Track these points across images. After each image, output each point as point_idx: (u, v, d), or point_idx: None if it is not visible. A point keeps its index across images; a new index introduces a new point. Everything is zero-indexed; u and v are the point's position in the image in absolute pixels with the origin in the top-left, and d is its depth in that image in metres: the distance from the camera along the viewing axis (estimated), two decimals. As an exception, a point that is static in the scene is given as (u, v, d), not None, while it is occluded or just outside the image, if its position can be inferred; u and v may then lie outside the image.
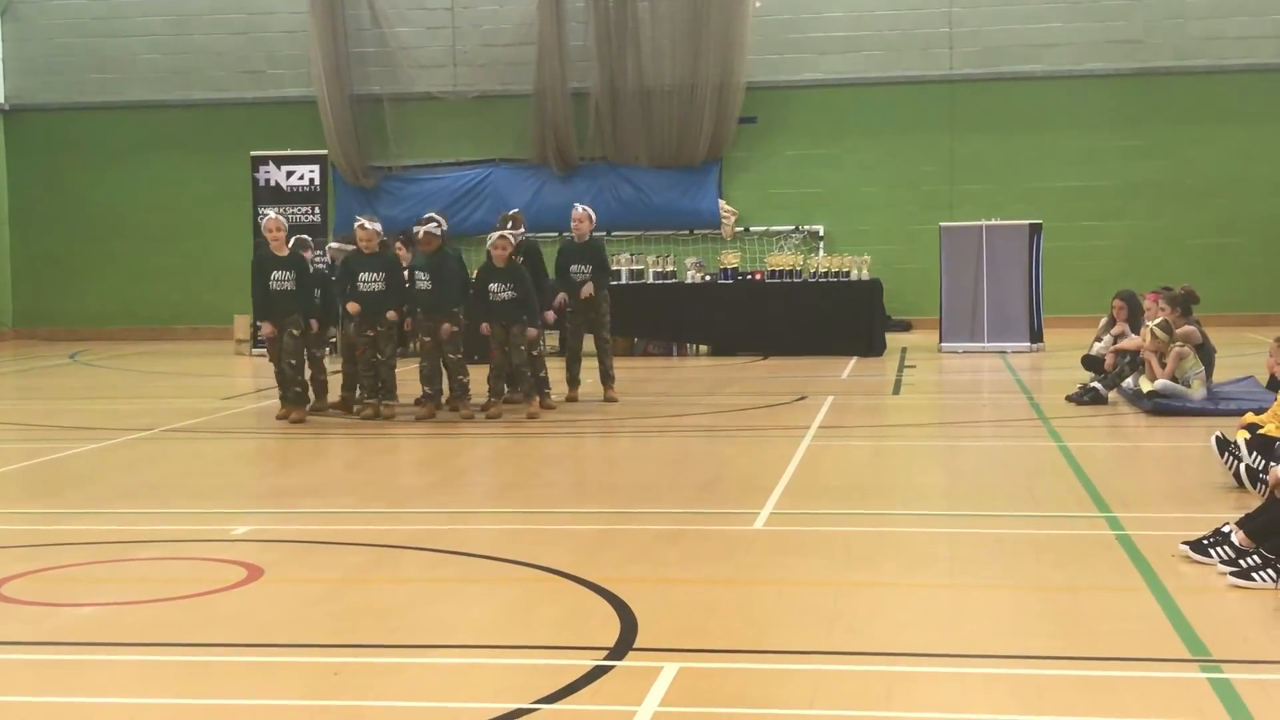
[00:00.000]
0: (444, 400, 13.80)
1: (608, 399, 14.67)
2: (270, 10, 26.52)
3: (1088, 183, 24.71)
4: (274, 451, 11.86)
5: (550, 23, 25.28)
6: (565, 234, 15.85)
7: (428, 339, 13.45)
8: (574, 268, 14.72)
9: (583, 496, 9.79)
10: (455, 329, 13.42)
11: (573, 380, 14.87)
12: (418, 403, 13.91)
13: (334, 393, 14.17)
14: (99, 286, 26.19)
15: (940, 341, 20.70)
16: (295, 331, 13.43)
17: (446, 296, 13.41)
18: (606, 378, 14.84)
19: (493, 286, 13.45)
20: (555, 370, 14.59)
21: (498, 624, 6.48)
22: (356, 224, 14.54)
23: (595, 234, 15.01)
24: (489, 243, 13.63)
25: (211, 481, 10.84)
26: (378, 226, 13.84)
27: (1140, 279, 19.39)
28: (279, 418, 13.56)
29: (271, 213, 13.59)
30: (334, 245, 15.59)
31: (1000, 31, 24.86)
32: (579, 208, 15.08)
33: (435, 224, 13.43)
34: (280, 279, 13.38)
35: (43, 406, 15.41)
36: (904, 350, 20.64)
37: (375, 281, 13.55)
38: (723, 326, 19.91)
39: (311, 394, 13.95)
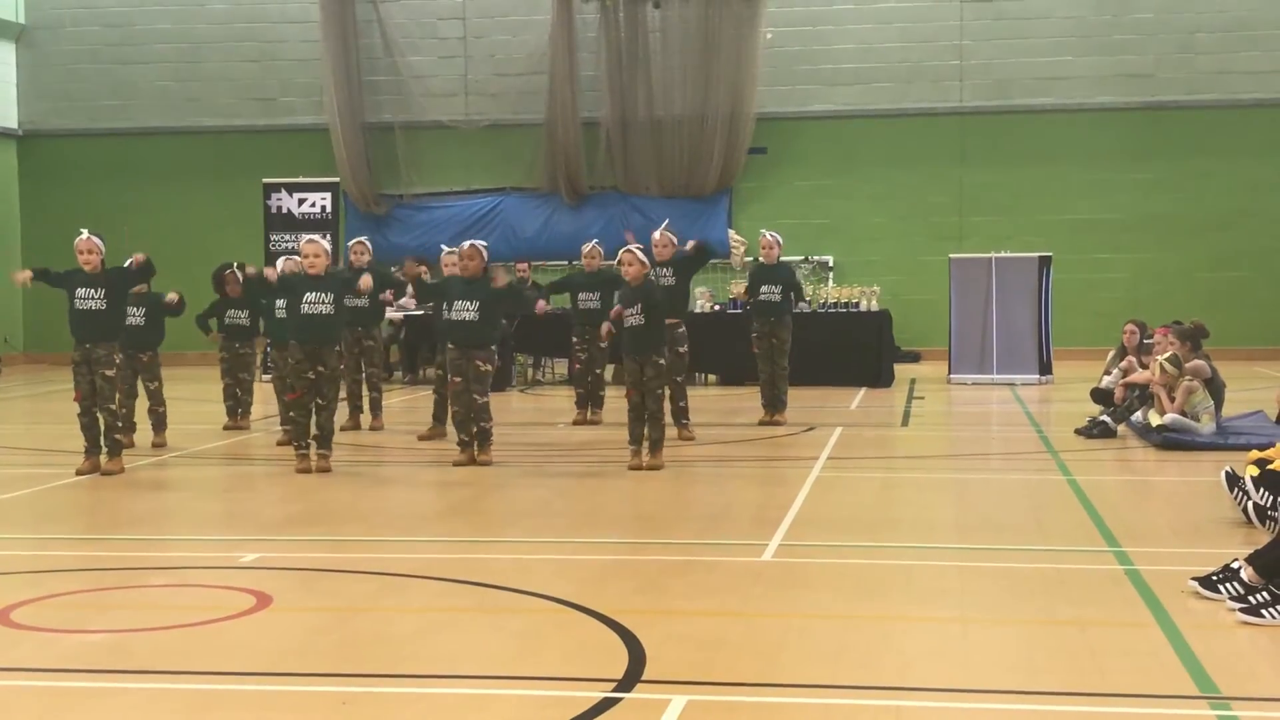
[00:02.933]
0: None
1: (774, 422, 15.09)
2: (283, 39, 26.66)
3: (1097, 215, 24.74)
4: (283, 478, 11.85)
5: (562, 53, 25.39)
6: (575, 263, 16.19)
7: (459, 379, 12.32)
8: (764, 289, 15.22)
9: (591, 527, 9.78)
10: (489, 368, 12.43)
11: (774, 402, 15.31)
12: (427, 435, 13.95)
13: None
14: (110, 312, 26.26)
15: (949, 373, 20.71)
16: (109, 372, 11.93)
17: (490, 331, 12.42)
18: (778, 403, 15.26)
19: (628, 311, 12.35)
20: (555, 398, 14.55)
21: (506, 654, 6.47)
22: (353, 244, 14.69)
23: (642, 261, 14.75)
24: (619, 259, 12.67)
25: (220, 508, 10.86)
26: (326, 244, 12.42)
27: (1150, 312, 19.41)
28: (82, 473, 11.94)
29: (84, 233, 12.07)
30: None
31: (1010, 64, 24.94)
32: (767, 234, 15.63)
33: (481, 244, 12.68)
34: (84, 296, 11.91)
35: (51, 430, 15.42)
36: (913, 381, 20.64)
37: (322, 303, 12.05)
38: (731, 356, 19.89)
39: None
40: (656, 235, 14.44)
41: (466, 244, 12.55)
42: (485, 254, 12.57)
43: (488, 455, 12.33)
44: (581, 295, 15.66)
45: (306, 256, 12.22)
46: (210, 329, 15.19)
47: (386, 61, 26.28)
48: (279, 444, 13.79)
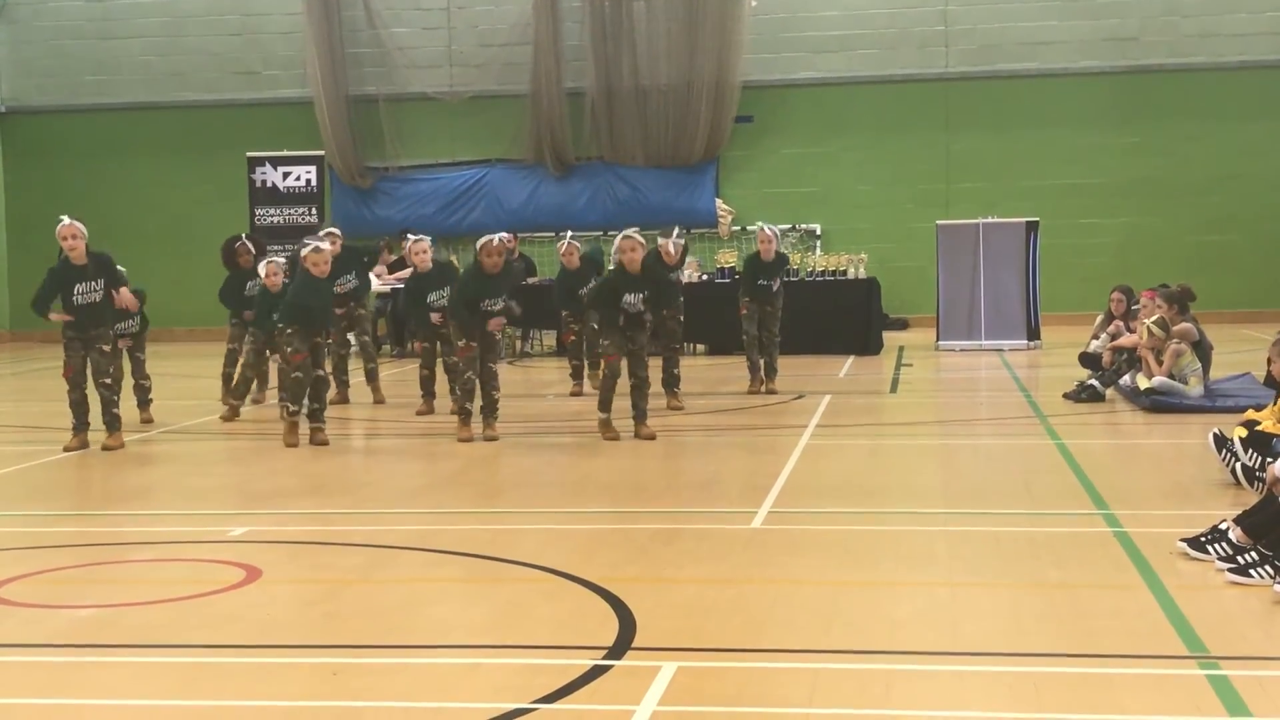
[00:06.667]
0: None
1: (769, 390, 15.26)
2: (265, 11, 26.51)
3: (1084, 180, 24.73)
4: (271, 452, 11.84)
5: (546, 22, 25.28)
6: (561, 234, 16.32)
7: (474, 344, 12.06)
8: (761, 281, 15.44)
9: (580, 496, 9.79)
10: (500, 335, 12.43)
11: (766, 370, 15.52)
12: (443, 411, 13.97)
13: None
14: (95, 288, 26.18)
15: (937, 340, 20.71)
16: (105, 347, 12.02)
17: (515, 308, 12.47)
18: (770, 371, 15.49)
19: (628, 299, 12.03)
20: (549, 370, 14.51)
21: (496, 624, 6.47)
22: (324, 235, 14.13)
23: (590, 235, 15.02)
24: (615, 247, 12.36)
25: (209, 483, 10.84)
26: (331, 249, 12.62)
27: (1136, 276, 19.41)
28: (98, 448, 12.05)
29: (65, 219, 11.99)
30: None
31: (996, 29, 24.88)
32: (766, 229, 15.65)
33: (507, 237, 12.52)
34: (84, 290, 11.89)
35: (39, 409, 15.38)
36: (901, 349, 20.65)
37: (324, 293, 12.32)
38: (720, 326, 19.87)
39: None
40: (670, 248, 14.30)
41: (495, 240, 12.16)
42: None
43: (495, 430, 12.20)
44: (760, 282, 15.57)
45: (316, 265, 12.07)
46: (244, 309, 14.48)
47: (369, 33, 26.17)
48: (223, 419, 13.85)
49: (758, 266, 15.53)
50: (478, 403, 12.25)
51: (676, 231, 14.84)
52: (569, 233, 17.06)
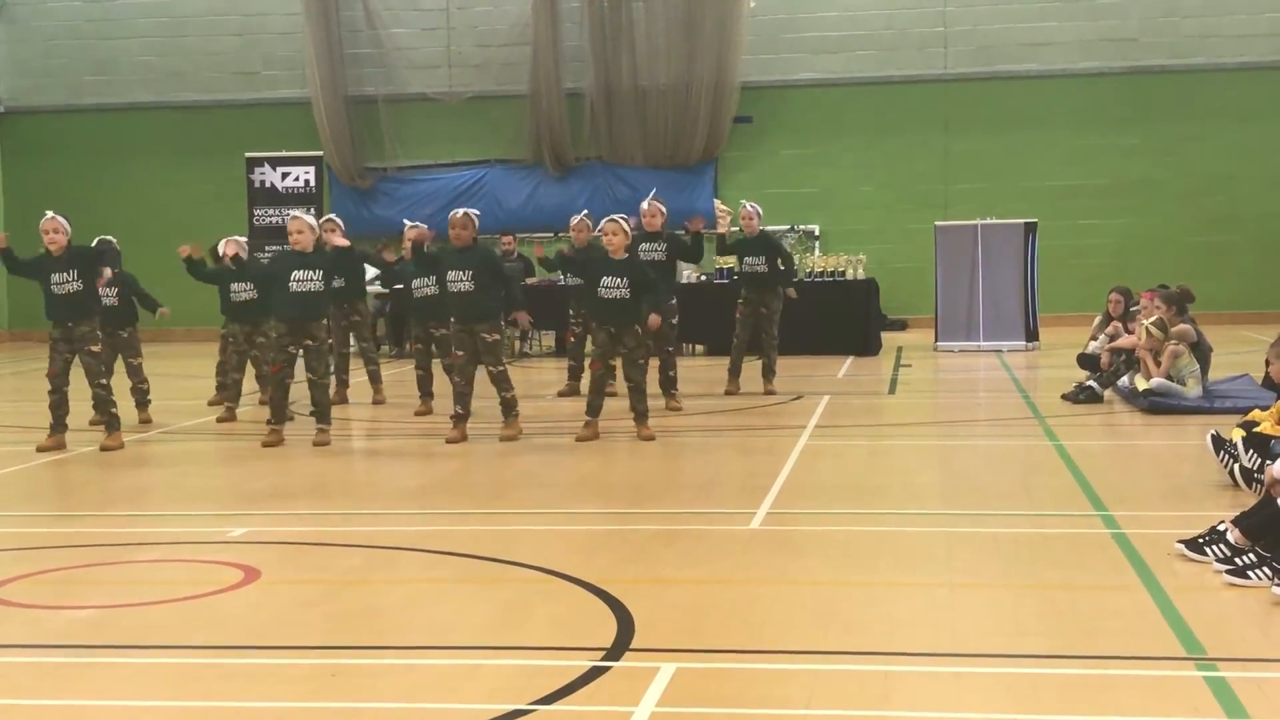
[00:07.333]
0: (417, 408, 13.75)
1: (768, 392, 15.15)
2: (265, 12, 26.54)
3: (1083, 181, 24.75)
4: (270, 453, 11.84)
5: (545, 23, 25.31)
6: (563, 234, 16.29)
7: (461, 352, 12.10)
8: (749, 260, 15.28)
9: (579, 497, 9.79)
10: (495, 337, 12.19)
11: (764, 371, 15.40)
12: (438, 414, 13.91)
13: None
14: (94, 288, 26.19)
15: (936, 341, 20.72)
16: (94, 348, 11.96)
17: (488, 302, 12.09)
18: (768, 372, 15.34)
19: (606, 281, 12.06)
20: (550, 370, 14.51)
21: (494, 625, 6.48)
22: (323, 222, 14.15)
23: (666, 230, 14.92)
24: (601, 229, 12.35)
25: (208, 483, 10.84)
26: (311, 220, 12.45)
27: (1135, 277, 19.44)
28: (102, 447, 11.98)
29: (49, 213, 11.96)
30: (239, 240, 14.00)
31: (995, 30, 24.90)
32: (746, 205, 15.59)
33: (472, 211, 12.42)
34: (59, 280, 11.82)
35: (38, 409, 15.36)
36: (900, 349, 20.66)
37: (311, 281, 12.03)
38: (718, 326, 19.86)
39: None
40: (645, 205, 14.42)
41: (460, 212, 12.32)
42: (477, 223, 12.45)
43: (513, 429, 12.18)
44: (748, 259, 15.46)
45: (292, 234, 12.17)
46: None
47: (369, 34, 26.19)
48: (220, 420, 13.86)
49: (742, 246, 15.51)
50: (479, 405, 12.29)
51: (654, 192, 14.90)
52: (585, 210, 16.88)
